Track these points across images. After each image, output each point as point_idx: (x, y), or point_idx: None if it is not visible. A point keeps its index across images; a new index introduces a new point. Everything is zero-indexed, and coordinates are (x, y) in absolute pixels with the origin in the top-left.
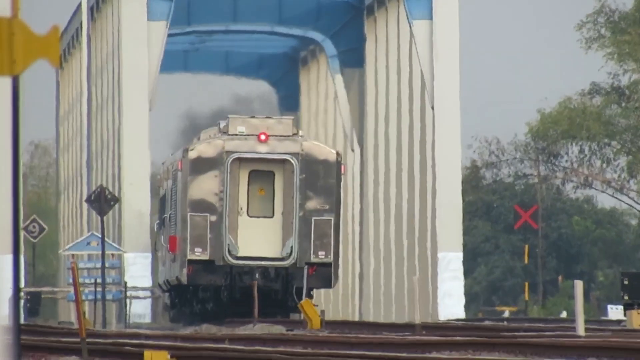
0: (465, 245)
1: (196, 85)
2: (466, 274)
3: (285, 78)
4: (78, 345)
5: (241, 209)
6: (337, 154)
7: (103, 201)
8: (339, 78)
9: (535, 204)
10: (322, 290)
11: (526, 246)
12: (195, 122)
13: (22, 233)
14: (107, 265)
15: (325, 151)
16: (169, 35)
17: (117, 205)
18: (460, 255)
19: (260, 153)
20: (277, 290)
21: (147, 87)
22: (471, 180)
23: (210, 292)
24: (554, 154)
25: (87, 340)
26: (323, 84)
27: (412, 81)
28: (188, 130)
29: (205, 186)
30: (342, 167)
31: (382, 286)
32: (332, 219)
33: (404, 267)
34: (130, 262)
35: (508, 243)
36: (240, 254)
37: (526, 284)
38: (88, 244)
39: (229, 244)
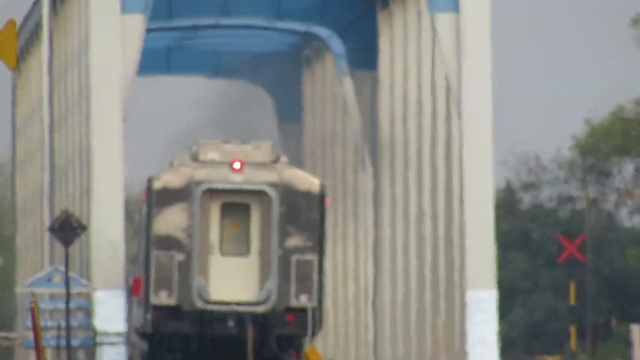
0: (499, 282)
1: (180, 91)
2: (501, 316)
3: (284, 82)
4: None
5: (212, 246)
6: (321, 184)
7: (68, 229)
8: (348, 81)
9: (583, 233)
10: (331, 336)
11: (572, 283)
12: (178, 135)
13: None
14: (72, 305)
15: (307, 181)
16: (148, 30)
17: (84, 234)
18: (494, 293)
19: (234, 183)
20: (254, 340)
21: (121, 92)
22: (506, 205)
23: (177, 341)
24: (605, 173)
25: None
26: (329, 89)
27: (435, 85)
28: (171, 145)
29: (172, 220)
30: (327, 199)
31: (400, 333)
32: (316, 258)
33: (425, 309)
34: (100, 302)
35: (550, 279)
36: (211, 298)
37: (573, 328)
38: (50, 279)
39: (198, 287)
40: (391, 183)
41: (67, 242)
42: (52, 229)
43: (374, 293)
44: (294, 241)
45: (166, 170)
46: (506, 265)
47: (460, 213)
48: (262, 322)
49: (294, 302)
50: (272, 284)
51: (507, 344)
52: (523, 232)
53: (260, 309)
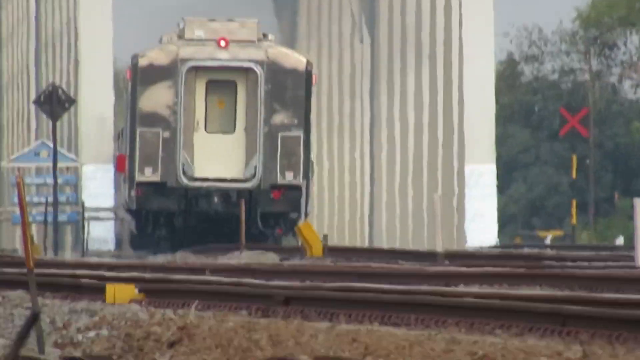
0: (499, 157)
1: None
2: (500, 191)
3: None
4: (25, 277)
5: (198, 123)
6: (308, 62)
7: (55, 102)
8: None
9: (586, 107)
10: (325, 213)
11: (574, 157)
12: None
13: None
14: (60, 180)
15: (294, 59)
16: None
17: (72, 108)
18: (494, 168)
19: (220, 60)
20: (239, 217)
21: None
22: (507, 78)
23: (162, 218)
24: (609, 45)
25: (36, 271)
26: None
27: None
28: (162, 17)
29: (157, 98)
30: (314, 76)
31: (397, 207)
32: (302, 135)
33: (423, 184)
34: (88, 177)
35: (552, 154)
36: (196, 175)
37: (574, 202)
38: (37, 154)
39: (183, 164)
40: (389, 57)
41: (54, 116)
42: (38, 102)
43: (371, 171)
44: (279, 118)
45: (152, 47)
46: (506, 139)
47: (459, 86)
48: (248, 199)
49: (279, 179)
50: (258, 161)
51: (507, 219)
52: (524, 106)
53: (246, 185)
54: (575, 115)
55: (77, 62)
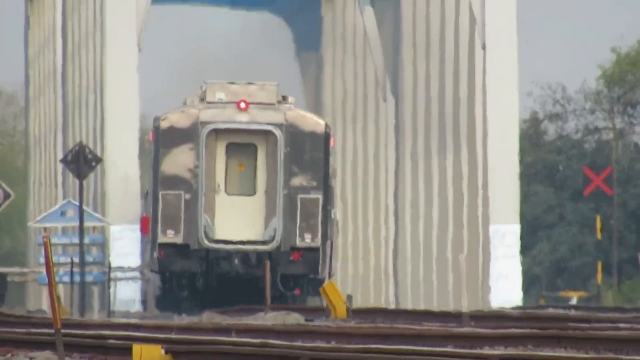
0: (523, 217)
1: (196, 20)
2: (524, 251)
3: (303, 10)
4: (52, 338)
5: (218, 186)
6: (326, 125)
7: (82, 162)
8: (369, 10)
9: (610, 165)
10: (350, 272)
11: (598, 217)
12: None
13: None
14: (86, 240)
15: (312, 122)
16: None
17: (99, 167)
18: (517, 228)
19: (240, 123)
20: (259, 278)
21: (136, 21)
22: (531, 136)
23: (184, 279)
24: (632, 104)
25: (63, 331)
26: (350, 18)
27: (458, 14)
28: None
29: (179, 160)
30: (331, 139)
31: (422, 267)
32: (320, 197)
33: (448, 244)
34: (115, 237)
35: (576, 213)
36: (217, 237)
37: (599, 263)
38: (63, 213)
39: (205, 226)
40: (413, 116)
41: (81, 175)
42: (65, 161)
43: (396, 230)
44: (299, 180)
45: (173, 110)
46: (530, 198)
47: (484, 145)
48: (268, 260)
49: (298, 242)
50: (277, 223)
51: (531, 280)
52: (548, 165)
53: (265, 247)
54: (599, 175)
55: (103, 121)
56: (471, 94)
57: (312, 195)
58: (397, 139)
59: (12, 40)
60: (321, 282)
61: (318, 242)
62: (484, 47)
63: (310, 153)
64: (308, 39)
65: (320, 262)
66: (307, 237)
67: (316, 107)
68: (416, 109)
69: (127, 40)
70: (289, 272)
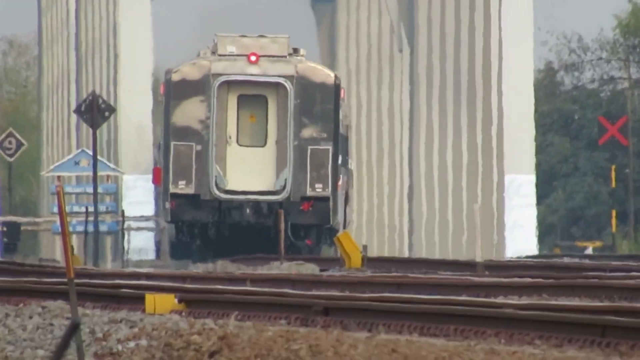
0: (538, 166)
1: None
2: (539, 200)
3: None
4: (65, 287)
5: (230, 137)
6: (336, 76)
7: (96, 111)
8: None
9: (625, 115)
10: (364, 223)
11: (613, 167)
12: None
13: None
14: (100, 189)
15: (323, 74)
16: None
17: (112, 117)
18: (533, 178)
19: (251, 75)
20: (270, 227)
21: None
22: (546, 86)
23: (197, 229)
24: None
25: (76, 281)
26: None
27: None
28: (201, 26)
29: (190, 112)
30: (342, 90)
31: (437, 217)
32: (331, 148)
33: (462, 194)
34: (129, 186)
35: (591, 163)
36: (228, 187)
37: (613, 212)
38: (77, 163)
39: (216, 176)
40: (428, 66)
41: (94, 125)
42: (78, 112)
43: (410, 180)
44: (309, 132)
45: (185, 62)
46: (545, 148)
47: (498, 95)
48: (278, 210)
49: (309, 191)
50: (288, 173)
51: (546, 229)
52: (563, 115)
53: (276, 197)
54: (615, 124)
55: (116, 71)
56: (486, 44)
57: (322, 146)
58: (411, 90)
59: None
60: (331, 231)
61: (328, 191)
62: None
63: (320, 105)
64: None
65: (331, 211)
66: (318, 187)
67: (331, 58)
68: (431, 60)
69: None
70: (299, 222)
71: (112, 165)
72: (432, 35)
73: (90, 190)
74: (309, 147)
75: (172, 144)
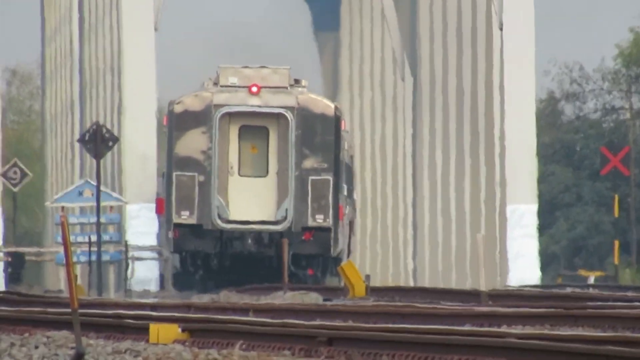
0: (540, 196)
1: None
2: (542, 230)
3: None
4: (69, 317)
5: (231, 167)
6: (336, 107)
7: (99, 141)
8: None
9: (627, 145)
10: (367, 252)
11: (616, 196)
12: (212, 45)
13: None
14: (104, 219)
15: (323, 105)
16: None
17: (116, 147)
18: (535, 208)
19: (252, 106)
20: (272, 257)
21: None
22: (548, 116)
23: (199, 259)
24: None
25: (80, 311)
26: None
27: None
28: (204, 56)
29: (193, 143)
30: (342, 122)
31: (440, 246)
32: (331, 178)
33: (466, 223)
34: (132, 216)
35: (593, 193)
36: (230, 218)
37: (616, 242)
38: (81, 193)
39: (218, 207)
40: (430, 95)
41: (98, 155)
42: (82, 141)
43: (414, 210)
44: (310, 162)
45: (187, 94)
46: (547, 178)
47: (501, 125)
48: (280, 240)
49: (310, 222)
50: (289, 203)
51: (548, 259)
52: (565, 145)
53: (277, 228)
54: (617, 155)
55: (120, 101)
56: (489, 74)
57: (323, 177)
58: (414, 119)
59: (29, 19)
60: (333, 261)
61: (329, 222)
62: (501, 27)
63: (321, 135)
64: (326, 19)
65: (332, 241)
66: (319, 217)
67: (334, 87)
68: (434, 90)
69: (143, 19)
70: (300, 252)
71: (115, 195)
72: (435, 65)
73: (93, 220)
74: (310, 178)
75: (175, 174)
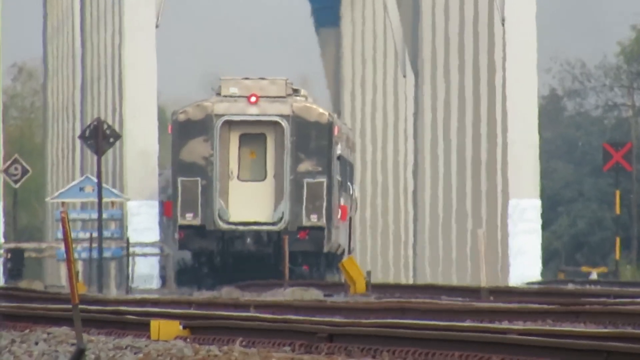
0: (542, 192)
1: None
2: (544, 226)
3: None
4: (69, 313)
5: (232, 172)
6: (329, 115)
7: (100, 137)
8: None
9: (629, 141)
10: (368, 249)
11: (617, 192)
12: (212, 43)
13: (1, 176)
14: (105, 215)
15: (317, 113)
16: None
17: (117, 143)
18: (537, 203)
19: (250, 115)
20: (270, 255)
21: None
22: (550, 113)
23: (203, 257)
24: None
25: (81, 307)
26: None
27: None
28: (204, 54)
29: (195, 150)
30: (336, 128)
31: (441, 242)
32: (325, 181)
33: (467, 219)
34: (133, 212)
35: (595, 189)
36: (231, 219)
37: (617, 238)
38: (82, 189)
39: (219, 209)
40: (432, 91)
41: (99, 151)
42: (83, 137)
43: (415, 206)
44: (304, 166)
45: (189, 104)
46: (549, 174)
47: (503, 121)
48: (277, 240)
49: (305, 221)
50: (285, 205)
51: (550, 255)
52: (567, 141)
53: (275, 227)
54: (619, 151)
55: (121, 97)
56: (491, 70)
57: (318, 179)
58: (416, 115)
59: (31, 16)
60: (327, 257)
61: (323, 221)
62: (503, 23)
63: (315, 141)
64: (327, 15)
65: (325, 239)
66: (313, 217)
67: (335, 83)
68: (435, 86)
69: (145, 16)
70: (296, 249)
71: (116, 192)
72: (437, 64)
73: (95, 216)
74: (305, 180)
75: (179, 179)
